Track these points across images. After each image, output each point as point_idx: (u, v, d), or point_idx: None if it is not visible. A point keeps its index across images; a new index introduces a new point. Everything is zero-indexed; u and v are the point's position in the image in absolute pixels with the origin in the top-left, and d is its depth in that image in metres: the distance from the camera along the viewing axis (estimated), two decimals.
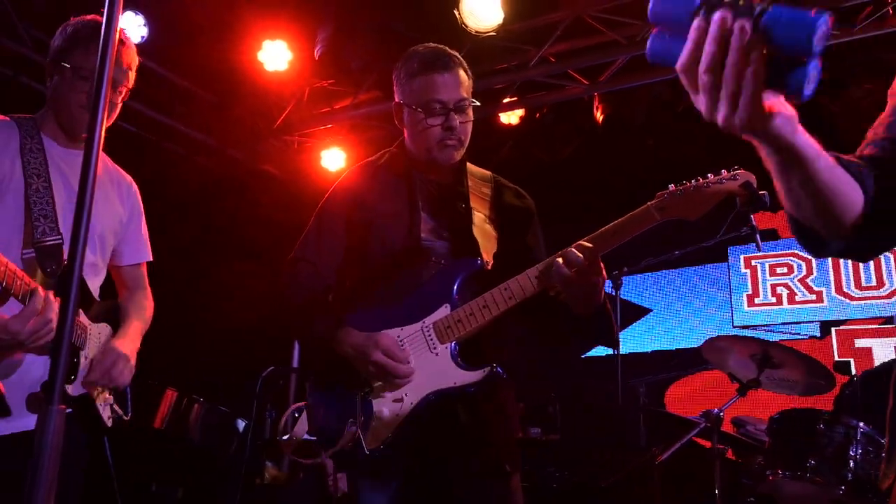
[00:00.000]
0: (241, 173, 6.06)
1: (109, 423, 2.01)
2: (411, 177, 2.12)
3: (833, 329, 5.44)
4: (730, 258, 5.82)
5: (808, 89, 0.88)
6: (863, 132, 1.27)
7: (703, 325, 5.80)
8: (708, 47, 0.87)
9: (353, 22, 4.63)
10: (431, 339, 1.95)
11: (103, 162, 2.20)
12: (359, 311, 2.00)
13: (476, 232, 2.05)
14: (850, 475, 2.89)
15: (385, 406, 1.91)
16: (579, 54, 4.86)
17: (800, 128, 0.97)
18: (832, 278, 5.45)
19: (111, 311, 2.16)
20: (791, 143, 0.97)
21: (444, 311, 1.95)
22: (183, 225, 5.30)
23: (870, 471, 2.89)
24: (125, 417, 2.05)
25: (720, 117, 0.90)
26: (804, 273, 5.59)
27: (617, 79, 4.88)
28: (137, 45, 4.95)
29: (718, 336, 3.64)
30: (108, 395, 2.00)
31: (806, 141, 0.99)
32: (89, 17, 2.12)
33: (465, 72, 2.09)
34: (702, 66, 0.88)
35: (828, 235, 1.13)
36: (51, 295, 1.75)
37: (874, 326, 5.27)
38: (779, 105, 0.92)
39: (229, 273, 5.78)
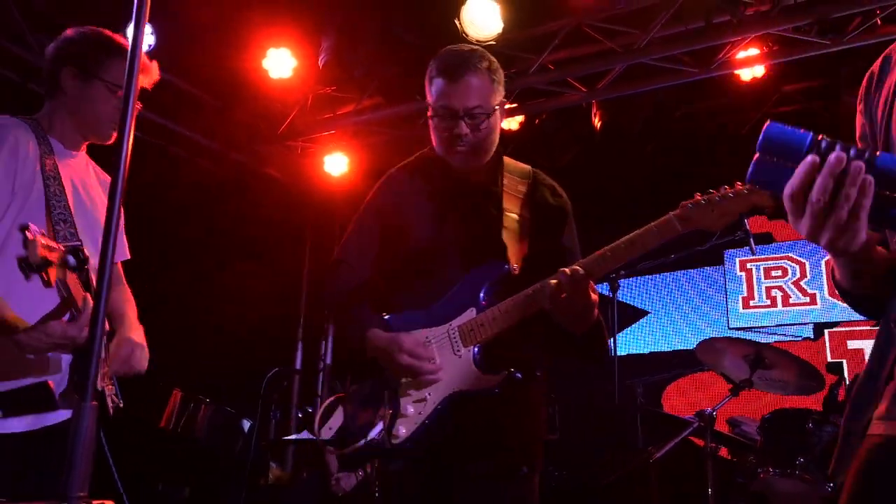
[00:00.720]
0: (244, 177, 6.16)
1: (111, 412, 2.08)
2: (442, 179, 2.14)
3: (826, 331, 5.55)
4: (725, 261, 5.93)
5: None
6: (851, 138, 1.38)
7: (700, 326, 5.90)
8: (822, 179, 0.97)
9: (356, 30, 4.73)
10: (456, 342, 2.00)
11: (91, 166, 2.24)
12: (392, 313, 2.07)
13: (506, 235, 2.06)
14: None
15: (410, 404, 1.98)
16: (578, 62, 4.95)
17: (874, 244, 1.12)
18: (825, 281, 5.55)
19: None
20: (867, 259, 1.11)
21: (469, 314, 2.00)
22: (186, 228, 5.39)
23: None
24: (120, 405, 2.10)
25: (824, 240, 1.01)
26: (798, 276, 5.69)
27: (615, 86, 4.97)
28: (146, 54, 5.07)
29: (713, 338, 3.75)
30: (110, 387, 2.06)
31: (878, 252, 1.14)
32: (106, 30, 2.18)
33: (484, 77, 2.02)
34: (815, 195, 0.98)
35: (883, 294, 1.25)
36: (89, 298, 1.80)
37: (866, 328, 5.37)
38: (870, 233, 1.04)
39: (232, 275, 5.88)
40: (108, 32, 2.16)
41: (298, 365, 6.95)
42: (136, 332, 2.16)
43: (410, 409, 1.98)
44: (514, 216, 2.11)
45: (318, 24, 4.96)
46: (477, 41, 4.49)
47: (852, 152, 0.97)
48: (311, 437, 5.30)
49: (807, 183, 0.98)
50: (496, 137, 2.12)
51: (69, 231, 2.01)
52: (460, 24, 4.46)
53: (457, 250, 2.07)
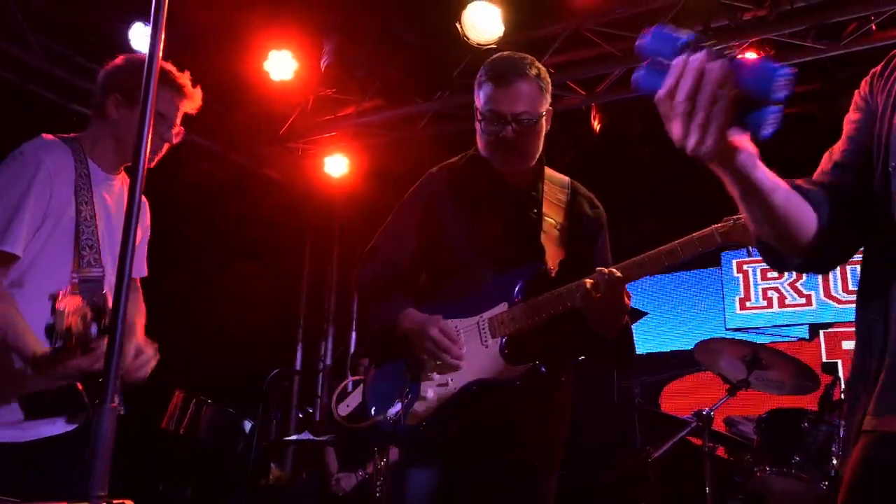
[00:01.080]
0: (245, 179, 6.19)
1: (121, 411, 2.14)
2: (485, 180, 2.18)
3: (821, 331, 5.61)
4: (723, 263, 5.99)
5: (766, 131, 1.00)
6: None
7: (697, 327, 5.96)
8: (686, 79, 1.00)
9: (358, 33, 4.76)
10: (485, 332, 2.05)
11: (122, 185, 2.29)
12: (423, 304, 2.12)
13: (544, 239, 2.11)
14: (832, 471, 3.04)
15: (431, 388, 2.03)
16: (577, 66, 5.00)
17: (759, 163, 1.11)
18: (821, 282, 5.61)
19: None
20: (749, 176, 1.10)
21: (501, 307, 2.05)
22: (188, 229, 5.42)
23: None
24: (121, 412, 2.16)
25: (690, 143, 1.02)
26: (794, 277, 5.75)
27: (614, 90, 5.02)
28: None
29: (710, 339, 3.79)
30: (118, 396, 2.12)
31: (763, 174, 1.13)
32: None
33: (533, 83, 2.06)
34: (678, 96, 1.00)
35: (787, 253, 1.27)
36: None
37: None
38: (742, 142, 1.05)
39: (233, 276, 5.91)
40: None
41: (298, 366, 6.98)
42: (147, 339, 2.23)
43: (430, 393, 2.03)
44: (553, 222, 2.16)
45: (319, 26, 5.00)
46: (478, 44, 4.54)
47: (713, 53, 0.99)
48: (311, 437, 5.33)
49: (675, 84, 1.01)
50: (540, 144, 2.16)
51: (93, 257, 2.07)
52: (461, 27, 4.50)
53: (495, 250, 2.12)
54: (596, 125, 5.15)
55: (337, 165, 6.16)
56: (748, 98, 0.99)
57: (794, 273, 5.75)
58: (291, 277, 7.03)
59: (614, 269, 1.89)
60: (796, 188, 1.24)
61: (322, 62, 4.77)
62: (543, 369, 1.99)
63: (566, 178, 2.27)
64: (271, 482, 5.72)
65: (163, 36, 1.37)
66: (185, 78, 2.22)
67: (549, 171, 2.25)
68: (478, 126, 2.14)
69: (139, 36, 4.78)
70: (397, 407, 2.00)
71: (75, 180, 2.07)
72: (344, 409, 2.17)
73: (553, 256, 2.12)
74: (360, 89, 5.45)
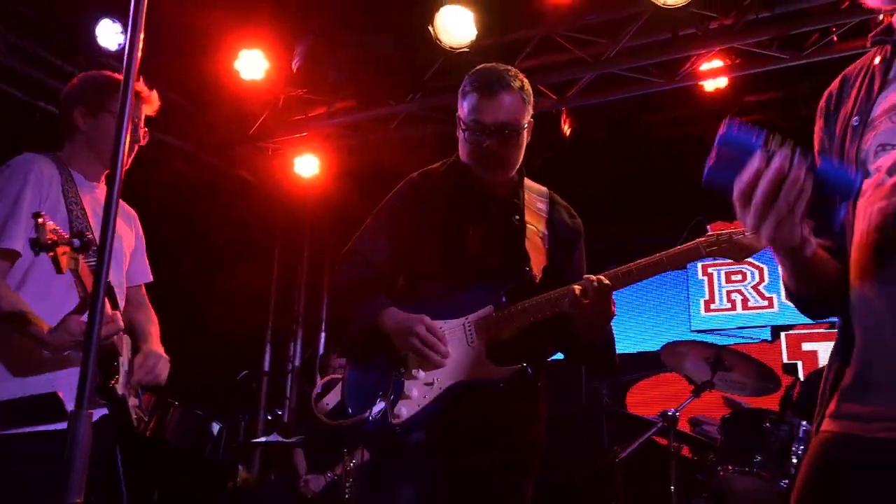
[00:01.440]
0: (215, 179, 6.13)
1: (136, 423, 2.18)
2: (467, 187, 2.21)
3: (783, 333, 5.76)
4: (688, 266, 6.10)
5: (837, 226, 1.13)
6: (808, 146, 1.47)
7: (663, 329, 6.07)
8: (768, 177, 1.07)
9: (330, 34, 4.76)
10: (471, 334, 2.07)
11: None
12: (405, 305, 2.12)
13: (528, 245, 2.15)
14: (793, 469, 3.13)
15: (415, 387, 2.05)
16: (548, 70, 5.05)
17: (814, 247, 1.20)
18: (782, 285, 5.75)
19: (128, 325, 2.40)
20: (805, 262, 1.20)
21: (487, 310, 2.08)
22: (158, 230, 5.35)
23: None
24: (144, 419, 2.22)
25: (765, 233, 1.10)
26: (757, 280, 5.90)
27: (584, 95, 5.08)
28: (115, 53, 5.01)
29: (676, 341, 3.88)
30: (135, 399, 2.16)
31: (816, 254, 1.22)
32: (107, 72, 2.47)
33: (516, 95, 2.10)
34: (760, 192, 1.07)
35: (831, 303, 1.35)
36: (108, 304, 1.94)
37: (820, 331, 5.60)
38: (809, 233, 1.15)
39: (202, 277, 5.85)
40: (109, 73, 2.43)
41: (267, 367, 6.93)
42: (160, 346, 2.41)
43: (415, 392, 2.04)
44: (535, 229, 2.21)
45: (291, 26, 4.98)
46: (450, 47, 4.57)
47: (796, 157, 1.07)
48: (280, 439, 5.31)
49: (754, 181, 1.08)
50: (521, 155, 2.20)
51: (92, 250, 2.12)
52: (434, 30, 4.52)
53: (480, 255, 2.15)
54: (566, 129, 5.21)
55: (307, 166, 6.13)
56: (821, 195, 1.08)
57: (757, 277, 5.90)
58: (260, 278, 6.98)
59: (603, 277, 1.94)
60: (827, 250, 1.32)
61: (294, 63, 4.76)
62: (530, 371, 2.03)
63: (544, 188, 2.32)
64: (239, 484, 5.67)
65: (141, 36, 1.38)
66: (140, 85, 2.41)
67: (527, 180, 2.29)
68: (461, 135, 2.18)
69: (107, 32, 4.72)
70: (381, 405, 2.01)
71: (62, 184, 2.24)
72: (324, 407, 2.18)
73: (537, 263, 2.16)
74: (332, 90, 5.44)
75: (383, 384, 2.06)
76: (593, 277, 1.94)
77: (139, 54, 1.37)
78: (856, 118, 1.30)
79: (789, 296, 1.39)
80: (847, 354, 1.26)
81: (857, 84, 1.36)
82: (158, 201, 5.67)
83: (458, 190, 2.22)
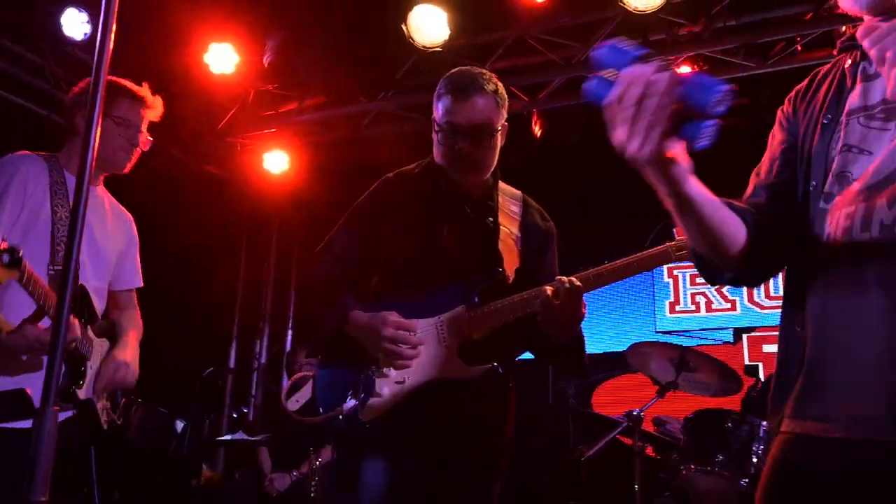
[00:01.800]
0: (183, 173, 6.04)
1: (105, 426, 2.16)
2: (442, 188, 2.22)
3: (745, 335, 5.89)
4: (654, 268, 6.18)
5: (702, 142, 1.07)
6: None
7: (629, 329, 6.15)
8: (634, 87, 1.06)
9: (303, 31, 4.72)
10: (443, 333, 2.09)
11: (109, 198, 2.54)
12: (378, 305, 2.12)
13: (501, 247, 2.17)
14: (752, 469, 3.20)
15: (386, 385, 2.05)
16: (520, 72, 5.08)
17: (692, 178, 1.18)
18: (745, 289, 5.88)
19: (111, 329, 2.43)
20: (682, 186, 1.17)
21: (459, 310, 2.09)
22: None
23: None
24: (118, 422, 2.21)
25: (632, 146, 1.08)
26: None
27: (555, 97, 5.13)
28: (81, 43, 4.91)
29: (641, 342, 3.94)
30: (105, 402, 2.14)
31: (696, 187, 1.20)
32: (113, 77, 2.47)
33: (490, 98, 2.11)
34: (626, 101, 1.06)
35: (720, 266, 1.35)
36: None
37: None
38: (678, 153, 1.11)
39: (167, 272, 5.75)
40: (115, 78, 2.45)
41: (232, 364, 6.86)
42: (126, 351, 2.40)
43: (386, 391, 2.05)
44: (508, 231, 2.23)
45: (262, 20, 4.93)
46: (423, 47, 4.57)
47: (664, 67, 1.07)
48: (245, 437, 5.26)
49: (623, 92, 1.07)
50: (495, 158, 2.22)
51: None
52: (407, 28, 4.52)
53: (454, 255, 2.16)
54: (537, 131, 5.25)
55: (276, 162, 6.07)
56: (688, 110, 1.06)
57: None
58: (227, 274, 6.89)
59: (574, 279, 1.96)
60: (727, 204, 1.31)
61: (265, 58, 4.71)
62: (501, 370, 2.05)
63: (518, 192, 2.35)
64: (203, 483, 5.61)
65: (114, 27, 1.35)
66: (145, 90, 2.45)
67: (501, 183, 2.31)
68: (435, 137, 2.19)
69: (72, 22, 4.63)
70: (352, 403, 2.01)
71: (51, 185, 2.25)
72: (294, 405, 2.18)
73: (509, 264, 2.18)
74: (303, 86, 5.40)
75: (354, 382, 2.07)
76: (565, 279, 1.96)
77: (111, 45, 1.35)
78: (827, 116, 1.32)
79: (690, 253, 1.39)
80: (802, 354, 1.27)
81: (828, 83, 1.38)
82: (122, 195, 5.58)
83: (432, 191, 2.23)
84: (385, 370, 2.07)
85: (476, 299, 2.10)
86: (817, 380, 1.24)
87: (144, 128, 2.47)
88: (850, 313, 1.20)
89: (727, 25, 4.39)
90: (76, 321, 2.09)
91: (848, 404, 1.18)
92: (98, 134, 1.32)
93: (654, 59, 1.08)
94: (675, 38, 4.53)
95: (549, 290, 1.97)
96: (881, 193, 1.19)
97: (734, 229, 1.29)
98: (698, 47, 4.56)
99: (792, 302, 1.35)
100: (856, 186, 1.24)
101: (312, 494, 4.41)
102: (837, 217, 1.24)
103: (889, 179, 1.20)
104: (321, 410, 2.11)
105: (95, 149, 1.33)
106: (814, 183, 1.32)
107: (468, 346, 2.09)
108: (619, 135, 1.09)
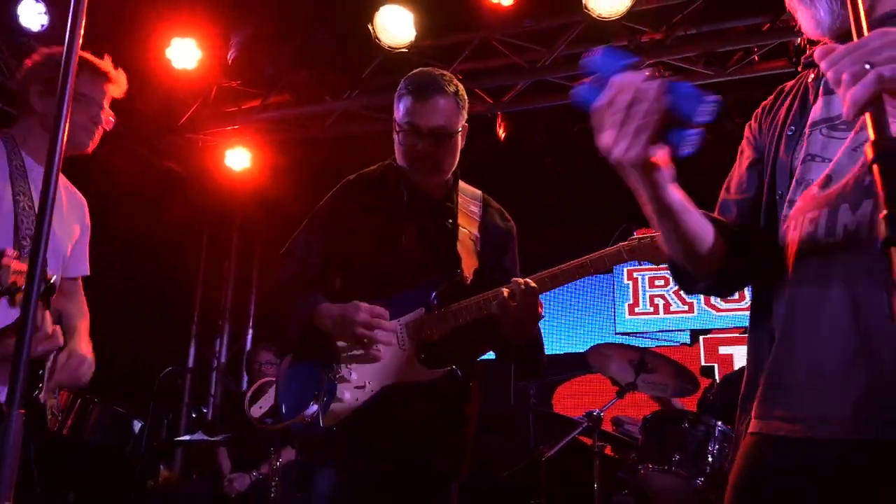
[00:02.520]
0: (142, 169, 5.93)
1: (53, 426, 2.09)
2: (401, 190, 2.24)
3: (701, 337, 6.02)
4: (614, 270, 6.30)
5: (685, 150, 1.12)
6: (732, 159, 1.53)
7: (589, 331, 6.24)
8: (625, 93, 1.10)
9: (269, 28, 4.68)
10: (402, 337, 2.10)
11: (63, 183, 2.30)
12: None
13: (459, 248, 2.19)
14: (708, 468, 3.28)
15: (347, 390, 2.06)
16: (485, 74, 5.12)
17: (673, 185, 1.21)
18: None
19: (59, 320, 2.26)
20: (664, 190, 1.20)
21: (418, 313, 2.11)
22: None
23: (724, 464, 3.30)
24: (59, 417, 2.13)
25: (618, 149, 1.11)
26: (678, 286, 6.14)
27: (519, 100, 5.17)
28: (38, 34, 4.78)
29: (601, 343, 4.00)
30: (53, 400, 2.07)
31: (677, 194, 1.23)
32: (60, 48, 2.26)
33: (450, 99, 2.14)
34: (616, 105, 1.10)
35: (695, 274, 1.39)
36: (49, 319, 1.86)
37: (735, 335, 5.89)
38: (661, 159, 1.15)
39: (125, 268, 5.65)
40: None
41: (191, 363, 6.75)
42: (86, 346, 2.24)
43: (347, 395, 2.06)
44: (467, 232, 2.25)
45: (227, 16, 4.87)
46: (389, 47, 4.57)
47: (654, 77, 1.11)
48: (204, 437, 5.19)
49: (613, 97, 1.11)
50: (456, 158, 2.24)
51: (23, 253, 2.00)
52: (373, 29, 4.51)
53: (413, 257, 2.18)
54: (501, 133, 5.29)
55: (238, 159, 6.00)
56: (675, 117, 1.10)
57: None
58: (187, 271, 6.79)
59: (530, 280, 1.99)
60: (704, 215, 1.35)
61: (229, 55, 4.66)
62: (460, 373, 2.07)
63: (478, 192, 2.37)
64: (159, 483, 5.52)
65: (83, 21, 1.33)
66: (107, 64, 2.25)
67: (462, 184, 2.34)
68: (396, 138, 2.20)
69: (28, 12, 4.51)
70: (313, 408, 2.01)
71: (10, 173, 2.07)
72: (257, 411, 2.17)
73: (468, 265, 2.20)
74: (267, 83, 5.35)
75: (316, 386, 2.07)
76: (521, 280, 1.99)
77: (80, 40, 1.33)
78: (791, 128, 1.37)
79: (668, 264, 1.42)
80: (769, 357, 1.30)
81: (791, 97, 1.43)
82: (81, 190, 5.45)
83: (392, 193, 2.25)
84: (346, 374, 2.07)
85: (435, 301, 2.12)
86: (783, 381, 1.27)
87: (107, 105, 2.28)
88: (814, 315, 1.23)
89: (688, 34, 4.49)
90: (58, 329, 1.94)
91: (813, 404, 1.20)
92: (66, 128, 1.28)
93: (644, 68, 1.12)
94: (638, 46, 4.61)
95: (505, 291, 1.99)
96: (842, 197, 1.23)
97: (709, 239, 1.32)
98: (660, 55, 4.66)
99: (759, 306, 1.38)
100: (814, 189, 1.27)
101: (273, 495, 4.37)
102: (801, 221, 1.28)
103: (847, 182, 1.23)
104: (284, 411, 2.10)
105: (64, 143, 1.29)
106: (780, 192, 1.36)
107: (427, 349, 2.11)
108: (606, 138, 1.12)
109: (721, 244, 1.34)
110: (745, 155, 1.48)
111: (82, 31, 1.30)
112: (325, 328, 2.08)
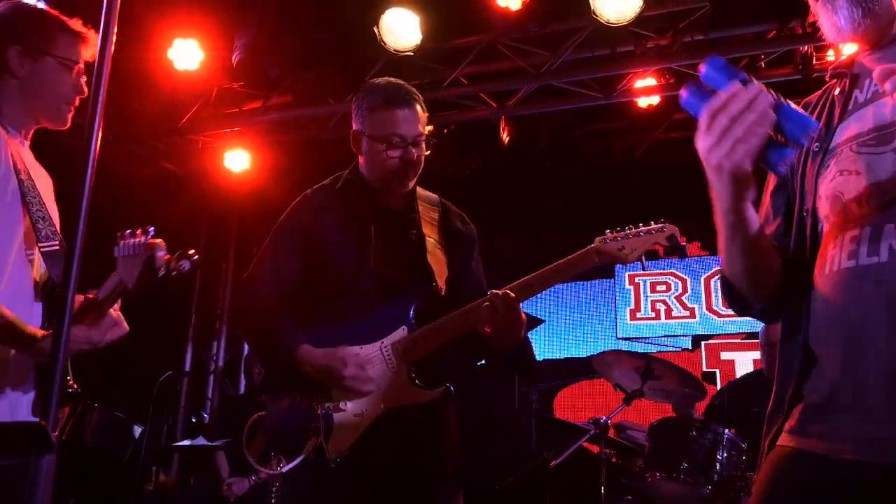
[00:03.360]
0: (141, 170, 5.88)
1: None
2: (364, 202, 2.21)
3: (703, 343, 6.03)
4: (616, 275, 6.30)
5: (781, 168, 1.17)
6: None
7: (591, 335, 6.23)
8: (737, 102, 1.14)
9: (274, 30, 4.64)
10: (389, 359, 2.06)
11: (32, 161, 2.04)
12: (314, 329, 2.08)
13: (430, 259, 2.17)
14: (716, 476, 3.27)
15: (345, 420, 2.01)
16: (490, 78, 5.10)
17: (751, 205, 1.25)
18: (704, 297, 6.03)
19: None
20: (742, 207, 1.24)
21: (401, 332, 2.07)
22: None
23: (733, 472, 3.29)
24: (59, 423, 2.08)
25: (718, 154, 1.16)
26: (680, 291, 6.14)
27: (523, 104, 5.16)
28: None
29: (607, 351, 3.99)
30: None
31: (753, 214, 1.27)
32: (40, 5, 2.07)
33: (422, 107, 2.21)
34: (728, 111, 1.14)
35: (750, 299, 1.40)
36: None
37: (737, 341, 5.90)
38: (751, 175, 1.19)
39: None
40: (43, 6, 2.02)
41: (188, 366, 6.69)
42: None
43: (346, 426, 2.01)
44: (433, 240, 2.24)
45: (230, 17, 4.83)
46: (395, 50, 4.55)
47: (766, 90, 1.15)
48: (204, 442, 5.14)
49: (724, 104, 1.15)
50: None
51: (50, 230, 1.88)
52: (379, 32, 4.49)
53: (384, 273, 2.14)
54: (504, 137, 5.27)
55: (238, 160, 5.96)
56: (777, 137, 1.15)
57: (681, 288, 6.15)
58: (184, 274, 6.71)
59: (508, 290, 1.99)
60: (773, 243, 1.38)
61: (234, 57, 4.62)
62: (453, 389, 2.07)
63: (435, 196, 2.36)
64: (157, 488, 5.47)
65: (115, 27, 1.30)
66: (77, 22, 1.98)
67: (419, 190, 2.32)
68: (372, 149, 2.18)
69: None
70: (315, 443, 1.97)
71: (11, 153, 1.84)
72: (257, 450, 2.11)
73: (440, 275, 2.18)
74: (269, 85, 5.31)
75: (312, 419, 2.02)
76: (500, 292, 1.99)
77: (112, 47, 1.30)
78: (816, 144, 1.37)
79: (723, 286, 1.43)
80: (802, 372, 1.30)
81: (817, 112, 1.43)
82: (77, 190, 5.38)
83: (356, 206, 2.22)
84: (341, 404, 2.03)
85: (413, 319, 2.09)
86: (823, 400, 1.26)
87: (83, 68, 1.99)
88: (857, 336, 1.22)
89: (695, 40, 4.49)
90: (120, 314, 1.82)
91: (854, 426, 1.20)
92: (98, 139, 1.24)
93: (753, 84, 1.16)
94: (644, 51, 4.61)
95: (486, 305, 1.98)
96: (887, 216, 1.23)
97: (772, 261, 1.36)
98: (666, 61, 4.65)
99: (791, 319, 1.38)
100: (851, 206, 1.27)
101: (274, 499, 4.34)
102: (842, 240, 1.27)
103: (890, 200, 1.23)
104: (283, 453, 2.04)
105: (96, 154, 1.25)
106: (808, 208, 1.36)
107: (418, 367, 2.08)
108: (706, 141, 1.17)
109: (782, 269, 1.38)
110: (769, 179, 1.50)
111: (114, 39, 1.26)
112: (306, 374, 2.03)
